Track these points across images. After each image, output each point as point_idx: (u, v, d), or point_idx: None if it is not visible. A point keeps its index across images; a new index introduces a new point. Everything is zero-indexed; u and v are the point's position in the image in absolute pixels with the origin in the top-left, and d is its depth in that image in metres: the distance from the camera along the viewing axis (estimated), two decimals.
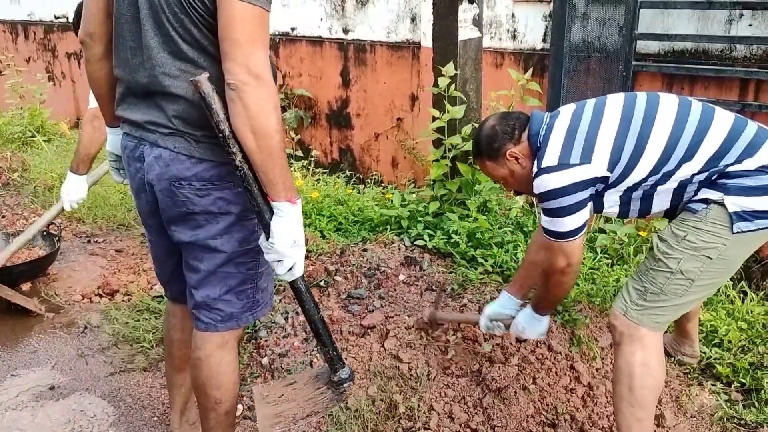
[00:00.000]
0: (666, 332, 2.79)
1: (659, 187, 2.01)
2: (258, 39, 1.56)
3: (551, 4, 4.40)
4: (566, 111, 2.14)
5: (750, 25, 3.78)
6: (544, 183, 2.01)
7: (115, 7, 1.76)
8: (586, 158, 1.98)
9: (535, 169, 2.06)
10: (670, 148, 1.95)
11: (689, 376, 2.72)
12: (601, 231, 3.57)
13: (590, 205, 2.06)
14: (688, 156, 1.94)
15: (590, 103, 2.12)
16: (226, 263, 1.84)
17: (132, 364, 2.90)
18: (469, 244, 3.39)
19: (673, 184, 1.99)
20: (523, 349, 2.67)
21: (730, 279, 3.07)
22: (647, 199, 2.05)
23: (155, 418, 2.59)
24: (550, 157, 2.01)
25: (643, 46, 4.16)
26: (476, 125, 3.61)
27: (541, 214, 2.10)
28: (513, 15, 4.68)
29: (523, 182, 2.21)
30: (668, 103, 2.03)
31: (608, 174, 2.00)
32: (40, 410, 2.62)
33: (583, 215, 2.02)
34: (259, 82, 1.54)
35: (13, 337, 3.14)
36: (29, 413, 2.61)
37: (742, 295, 3.05)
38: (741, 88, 3.87)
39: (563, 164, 1.99)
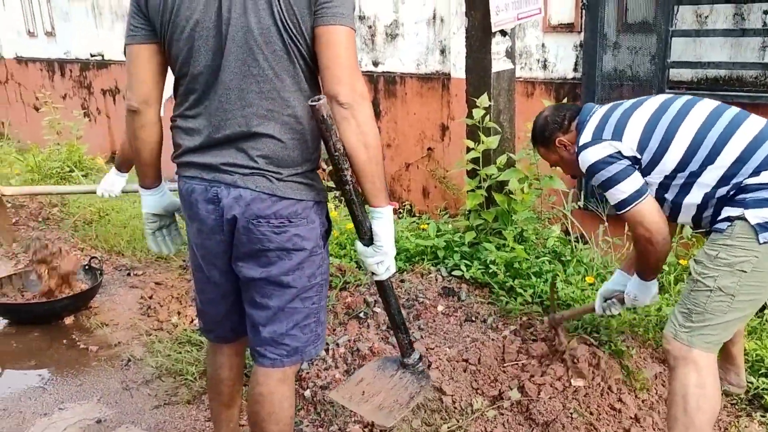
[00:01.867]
0: None
1: (686, 199, 2.12)
2: (356, 60, 1.71)
3: (582, 33, 4.44)
4: (612, 103, 2.32)
5: None
6: (584, 159, 2.21)
7: (183, 62, 1.76)
8: (617, 136, 2.15)
9: (575, 150, 2.26)
10: (696, 145, 2.06)
11: (737, 406, 2.67)
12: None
13: (638, 174, 2.15)
14: (712, 156, 2.04)
15: (635, 99, 2.29)
16: (294, 299, 1.88)
17: (176, 396, 2.93)
18: (507, 274, 3.39)
19: (697, 194, 2.09)
20: (569, 382, 2.64)
21: None
22: (677, 206, 2.17)
23: None
24: (586, 135, 2.22)
25: (676, 73, 4.17)
26: (511, 155, 3.63)
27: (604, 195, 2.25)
28: (543, 45, 4.73)
29: (571, 166, 2.44)
30: (704, 104, 2.15)
31: (639, 156, 2.13)
32: None
33: (635, 179, 2.14)
34: (364, 100, 1.69)
35: (58, 371, 3.20)
36: None
37: None
38: None
39: (596, 139, 2.19)
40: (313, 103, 1.66)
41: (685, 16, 4.07)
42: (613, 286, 2.60)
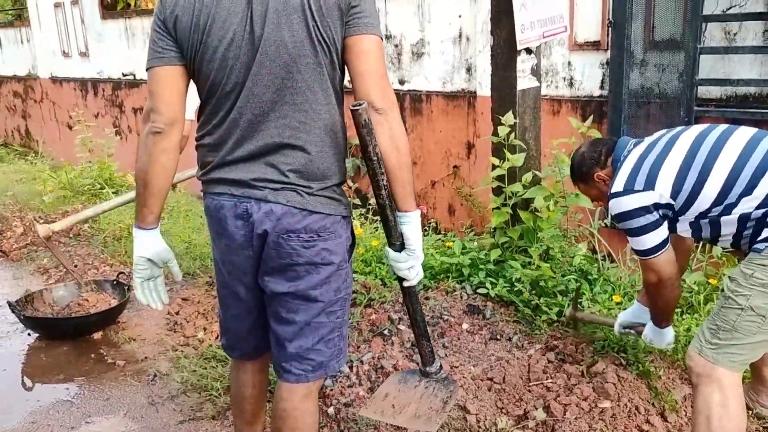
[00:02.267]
0: (743, 381, 2.72)
1: (723, 218, 2.09)
2: (385, 68, 1.78)
3: (608, 51, 4.43)
4: (648, 139, 2.31)
5: None
6: (614, 207, 2.22)
7: (215, 81, 1.77)
8: (650, 185, 2.14)
9: (608, 194, 2.27)
10: (731, 182, 2.04)
11: None
12: None
13: (666, 224, 2.18)
14: (748, 190, 2.02)
15: (670, 132, 2.28)
16: (320, 313, 1.89)
17: (200, 412, 2.94)
18: (533, 292, 3.36)
19: (734, 217, 2.06)
20: (595, 402, 2.61)
21: None
22: (715, 226, 2.15)
23: None
24: (619, 183, 2.21)
25: (705, 91, 4.13)
26: (536, 173, 3.62)
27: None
28: (569, 63, 4.72)
29: None
30: (739, 136, 2.11)
31: (672, 201, 2.13)
32: None
33: (660, 233, 2.16)
34: (395, 106, 1.76)
35: (86, 385, 3.24)
36: None
37: None
38: None
39: (628, 189, 2.18)
40: (356, 108, 1.69)
41: (714, 33, 4.04)
42: (632, 318, 2.64)
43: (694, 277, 3.32)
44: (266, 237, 1.80)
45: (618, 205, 2.19)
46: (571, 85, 4.74)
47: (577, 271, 3.53)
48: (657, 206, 2.14)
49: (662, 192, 2.12)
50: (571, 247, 3.69)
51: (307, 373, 1.94)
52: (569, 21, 4.58)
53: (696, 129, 2.21)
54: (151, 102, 1.81)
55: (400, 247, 1.89)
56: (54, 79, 10.19)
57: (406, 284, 1.95)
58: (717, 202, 2.06)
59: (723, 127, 2.17)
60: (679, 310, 3.19)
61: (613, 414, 2.55)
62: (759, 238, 2.03)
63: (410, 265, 1.90)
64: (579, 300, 3.04)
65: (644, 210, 2.14)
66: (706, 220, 2.13)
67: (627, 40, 4.26)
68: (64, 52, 9.77)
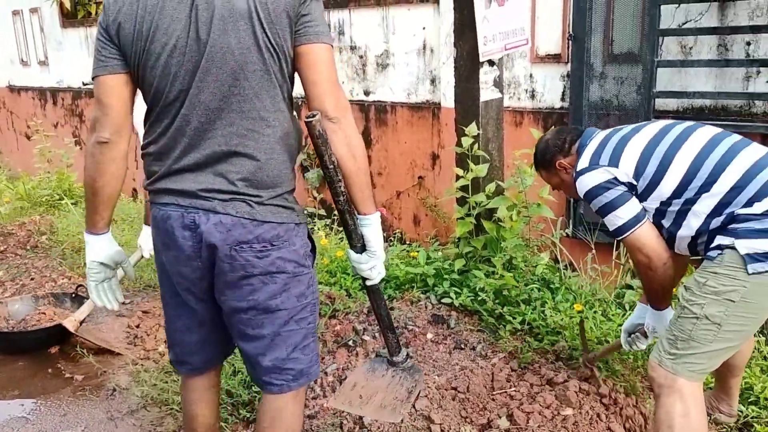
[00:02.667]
0: (706, 389, 2.77)
1: (680, 231, 2.13)
2: (337, 75, 1.79)
3: (569, 64, 4.51)
4: (613, 128, 2.35)
5: (767, 82, 3.84)
6: (581, 185, 2.25)
7: (158, 89, 1.75)
8: (614, 162, 2.18)
9: (573, 175, 2.29)
10: (691, 175, 2.07)
11: None
12: (629, 287, 3.55)
13: (635, 199, 2.17)
14: (708, 185, 2.04)
15: (635, 124, 2.32)
16: (288, 321, 1.87)
17: (161, 427, 2.88)
18: (496, 301, 3.38)
19: (693, 224, 2.10)
20: (558, 410, 2.63)
21: (765, 335, 3.04)
22: (671, 235, 2.18)
23: None
24: (584, 161, 2.26)
25: (662, 103, 4.23)
26: (500, 183, 3.66)
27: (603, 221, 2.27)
28: (531, 75, 4.80)
29: (572, 189, 2.42)
30: (704, 131, 2.15)
31: (634, 182, 2.15)
32: None
33: (631, 206, 2.16)
34: (348, 112, 1.77)
35: (42, 401, 3.15)
36: None
37: None
38: (762, 143, 3.89)
39: (593, 165, 2.22)
40: (309, 120, 1.69)
41: (670, 47, 4.14)
42: (636, 320, 2.58)
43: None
44: (216, 249, 1.78)
45: (584, 182, 2.22)
46: (533, 96, 4.81)
47: (540, 280, 3.57)
48: (619, 183, 2.15)
49: (626, 170, 2.15)
50: (533, 256, 3.73)
51: (289, 383, 1.92)
52: (531, 34, 4.66)
53: (660, 122, 2.26)
54: (97, 111, 1.79)
55: (361, 248, 1.93)
56: (12, 88, 9.97)
57: (369, 283, 1.99)
58: (677, 193, 2.09)
59: (687, 123, 2.21)
60: None
61: (575, 422, 2.57)
62: (712, 245, 2.05)
63: (372, 266, 1.93)
64: (586, 333, 2.93)
65: (609, 183, 2.16)
66: (667, 212, 2.14)
67: (587, 54, 4.35)
68: (22, 60, 9.57)
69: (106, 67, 1.77)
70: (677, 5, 4.00)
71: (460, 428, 2.58)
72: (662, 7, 4.00)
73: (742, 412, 2.72)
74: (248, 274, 1.80)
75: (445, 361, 3.03)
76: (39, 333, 3.62)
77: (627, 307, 3.34)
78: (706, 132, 2.14)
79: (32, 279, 4.54)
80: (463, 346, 3.14)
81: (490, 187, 3.64)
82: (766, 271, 1.94)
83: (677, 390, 2.03)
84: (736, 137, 2.13)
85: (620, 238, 2.21)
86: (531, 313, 3.27)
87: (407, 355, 2.18)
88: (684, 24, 4.04)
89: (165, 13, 1.70)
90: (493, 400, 2.74)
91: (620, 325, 3.18)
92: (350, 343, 3.19)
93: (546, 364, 2.94)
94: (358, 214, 1.89)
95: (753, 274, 1.94)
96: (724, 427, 2.68)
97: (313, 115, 1.70)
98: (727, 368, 2.54)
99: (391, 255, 4.16)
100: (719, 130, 2.17)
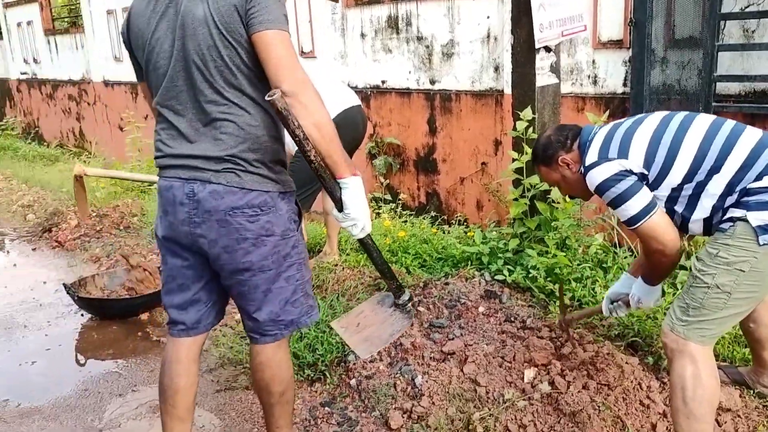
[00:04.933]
0: (746, 365, 2.85)
1: (695, 213, 2.19)
2: (294, 55, 1.99)
3: (630, 49, 4.55)
4: (611, 122, 2.41)
5: None
6: (592, 179, 2.28)
7: (154, 88, 2.15)
8: (623, 154, 2.22)
9: (582, 171, 2.33)
10: (701, 156, 2.14)
11: None
12: (682, 267, 3.61)
13: (646, 188, 2.22)
14: (717, 166, 2.11)
15: (636, 116, 2.37)
16: (277, 279, 2.16)
17: (236, 383, 3.21)
18: (548, 279, 3.53)
19: (706, 206, 2.16)
20: (597, 377, 2.77)
21: None
22: (686, 218, 2.24)
23: (255, 431, 2.87)
24: (592, 155, 2.29)
25: (724, 87, 4.22)
26: None
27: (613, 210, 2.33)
28: (593, 61, 4.86)
29: (573, 185, 2.50)
30: (704, 118, 2.23)
31: (645, 171, 2.21)
32: (156, 420, 2.96)
33: (644, 195, 2.21)
34: (306, 85, 1.96)
35: (133, 359, 3.55)
36: (147, 423, 2.96)
37: None
38: None
39: (602, 158, 2.25)
40: (270, 98, 1.91)
41: (732, 31, 4.13)
42: (620, 289, 2.69)
43: None
44: (212, 215, 2.05)
45: (595, 176, 2.26)
46: (595, 82, 4.88)
47: (593, 260, 3.68)
48: (630, 173, 2.20)
49: (636, 161, 2.20)
50: (588, 237, 3.84)
51: (282, 331, 2.23)
52: (593, 20, 4.72)
53: (659, 113, 2.32)
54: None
55: (340, 208, 2.13)
56: (106, 83, 10.70)
57: (354, 238, 2.22)
58: (687, 178, 2.16)
59: (684, 112, 2.28)
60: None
61: (608, 391, 2.71)
62: (724, 218, 2.13)
63: (350, 224, 2.13)
64: (564, 296, 3.05)
65: (620, 175, 2.20)
66: (679, 197, 2.21)
67: (648, 39, 4.38)
68: (115, 56, 10.25)
69: (140, 77, 2.24)
70: None
71: (504, 391, 2.77)
72: None
73: None
74: (243, 237, 2.07)
75: (495, 332, 3.21)
76: (130, 301, 4.04)
77: (678, 286, 3.42)
78: (706, 118, 2.22)
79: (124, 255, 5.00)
80: (513, 320, 3.31)
81: None
82: None
83: (688, 354, 2.14)
84: (732, 122, 2.21)
85: (633, 227, 2.25)
86: (581, 290, 3.40)
87: (409, 298, 2.43)
88: (746, 7, 4.03)
89: (156, 32, 2.08)
90: (537, 368, 2.90)
91: (670, 303, 3.27)
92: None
93: (592, 340, 3.07)
94: (335, 178, 2.08)
95: (764, 245, 2.03)
96: (767, 401, 2.74)
97: (273, 93, 1.91)
98: (757, 343, 2.64)
99: (450, 237, 4.35)
100: (714, 117, 2.24)
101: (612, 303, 2.72)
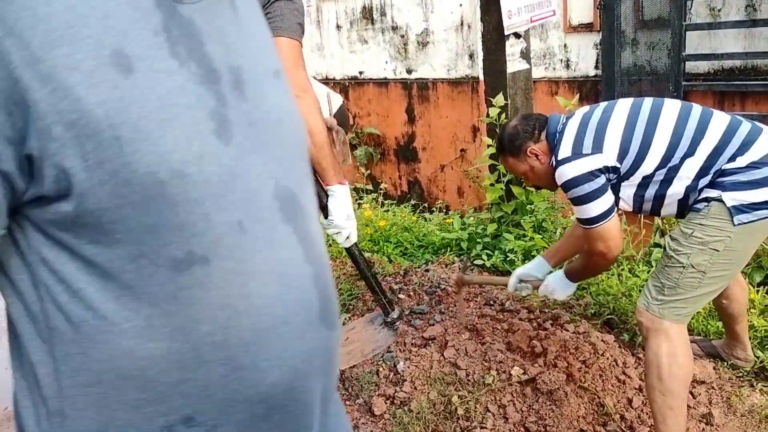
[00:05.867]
0: (720, 338, 2.92)
1: (668, 192, 2.20)
2: (299, 63, 2.00)
3: (600, 32, 4.61)
4: (580, 111, 2.37)
5: None
6: (562, 174, 2.24)
7: None
8: (598, 148, 2.20)
9: (553, 163, 2.30)
10: (674, 143, 2.15)
11: (741, 378, 2.80)
12: (657, 245, 3.68)
13: (610, 191, 2.23)
14: (691, 151, 2.13)
15: (602, 104, 2.36)
16: None
17: None
18: (525, 261, 3.59)
19: (679, 187, 2.17)
20: (574, 356, 2.84)
21: None
22: (658, 200, 2.25)
23: None
24: (565, 150, 2.24)
25: (693, 66, 4.29)
26: None
27: (572, 205, 2.33)
28: (565, 45, 4.91)
29: (541, 177, 2.46)
30: (672, 103, 2.25)
31: (618, 164, 2.20)
32: None
33: (607, 200, 2.21)
34: (306, 93, 1.97)
35: None
36: None
37: None
38: None
39: (576, 154, 2.21)
40: None
41: (699, 10, 4.19)
42: (532, 272, 2.68)
43: None
44: None
45: (566, 171, 2.21)
46: (567, 66, 4.93)
47: None
48: (604, 170, 2.19)
49: (610, 154, 2.18)
50: (564, 218, 3.91)
51: None
52: (563, 5, 4.77)
53: (625, 101, 2.32)
54: None
55: (326, 215, 2.16)
56: None
57: (341, 246, 2.25)
58: (661, 164, 2.17)
59: (651, 99, 2.29)
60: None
61: (587, 367, 2.78)
62: (699, 198, 2.15)
63: (334, 232, 2.16)
64: (469, 266, 3.06)
65: (592, 175, 2.17)
66: (651, 192, 2.22)
67: (618, 21, 4.44)
68: None
69: None
70: None
71: (484, 373, 2.83)
72: None
73: (759, 357, 2.85)
74: None
75: (475, 316, 3.26)
76: None
77: (653, 264, 3.49)
78: (674, 104, 2.23)
79: None
80: (492, 303, 3.37)
81: None
82: (750, 221, 2.07)
83: (663, 332, 2.18)
84: (700, 107, 2.23)
85: (588, 227, 2.24)
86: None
87: (398, 315, 2.43)
88: None
89: None
90: (516, 350, 2.97)
91: (645, 280, 3.34)
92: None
93: (569, 319, 3.14)
94: (324, 185, 2.11)
95: (738, 225, 2.06)
96: (741, 372, 2.82)
97: None
98: (730, 318, 2.70)
99: (431, 224, 4.40)
100: (681, 102, 2.26)
101: (520, 282, 2.71)
